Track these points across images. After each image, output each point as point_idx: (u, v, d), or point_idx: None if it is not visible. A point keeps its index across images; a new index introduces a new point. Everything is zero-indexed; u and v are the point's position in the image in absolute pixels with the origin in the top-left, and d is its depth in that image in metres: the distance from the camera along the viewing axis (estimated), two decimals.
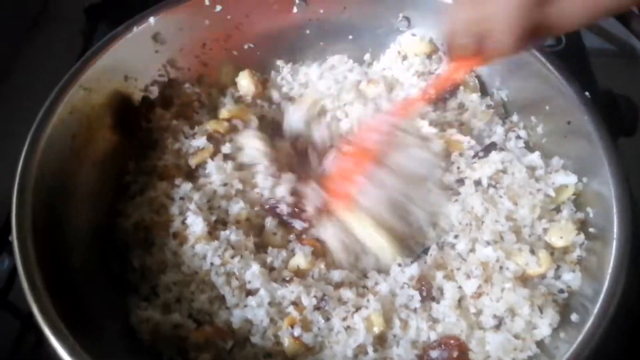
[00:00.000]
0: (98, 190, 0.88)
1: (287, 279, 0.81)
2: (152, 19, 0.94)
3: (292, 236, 0.87)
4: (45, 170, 0.79)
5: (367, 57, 1.09)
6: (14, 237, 0.72)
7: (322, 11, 1.06)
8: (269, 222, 0.87)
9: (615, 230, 0.75)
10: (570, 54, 1.29)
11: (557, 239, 0.81)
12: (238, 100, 1.01)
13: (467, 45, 0.70)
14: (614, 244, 0.74)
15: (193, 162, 0.91)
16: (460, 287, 0.79)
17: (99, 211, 0.87)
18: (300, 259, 0.82)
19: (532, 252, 0.79)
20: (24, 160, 0.78)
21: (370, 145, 0.88)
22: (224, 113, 0.95)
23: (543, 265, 0.79)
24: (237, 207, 0.87)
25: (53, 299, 0.69)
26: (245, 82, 1.02)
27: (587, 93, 0.89)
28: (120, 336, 0.77)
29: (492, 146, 0.91)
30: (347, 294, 0.80)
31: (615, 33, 1.57)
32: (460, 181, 0.90)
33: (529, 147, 0.96)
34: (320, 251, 0.85)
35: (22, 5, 1.49)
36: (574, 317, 0.75)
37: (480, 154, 0.91)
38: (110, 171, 0.91)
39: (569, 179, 0.86)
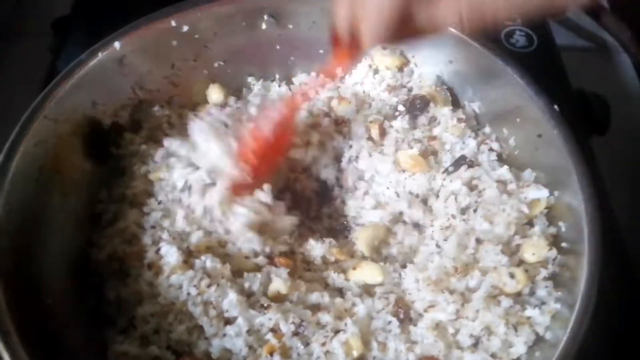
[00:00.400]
0: (70, 222, 0.87)
1: (265, 305, 0.80)
2: (117, 44, 0.93)
3: (262, 258, 0.86)
4: (13, 206, 0.78)
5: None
6: None
7: (291, 26, 1.05)
8: None
9: (586, 244, 0.76)
10: (543, 55, 1.31)
11: (530, 255, 0.82)
12: None
13: (344, 38, 0.75)
14: (585, 259, 0.75)
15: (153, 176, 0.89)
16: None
17: (71, 244, 0.86)
18: (279, 285, 0.81)
19: (511, 275, 0.80)
20: None
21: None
22: None
23: (520, 284, 0.79)
24: None
25: (25, 343, 0.68)
26: (215, 95, 1.02)
27: (556, 106, 0.90)
28: None
29: (461, 159, 0.92)
30: (326, 317, 0.80)
31: (587, 28, 1.59)
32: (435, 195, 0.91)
33: (502, 160, 0.96)
34: (294, 269, 0.85)
35: None
36: (548, 335, 0.76)
37: (450, 168, 0.91)
38: (81, 201, 0.90)
39: (541, 193, 0.87)
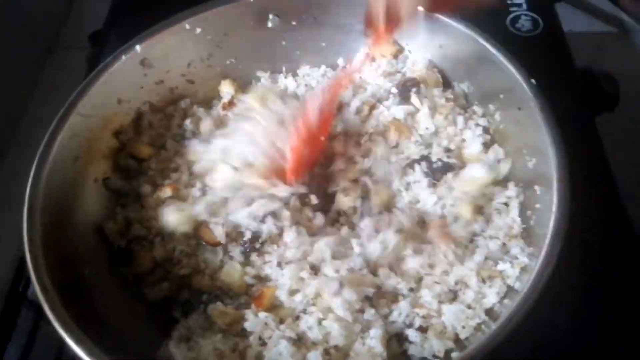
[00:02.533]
0: (102, 203, 1.01)
1: None
2: (138, 47, 1.05)
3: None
4: (52, 189, 0.91)
5: (340, 61, 1.18)
6: (26, 252, 0.83)
7: (294, 23, 1.16)
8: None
9: (554, 206, 0.82)
10: (548, 38, 1.36)
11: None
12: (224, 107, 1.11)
13: (380, 15, 0.80)
14: (552, 218, 0.81)
15: None
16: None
17: (102, 220, 0.99)
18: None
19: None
20: (32, 183, 0.89)
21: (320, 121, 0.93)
22: None
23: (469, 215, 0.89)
24: None
25: (64, 301, 0.80)
26: (226, 87, 1.13)
27: (532, 80, 0.96)
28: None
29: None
30: None
31: (607, 11, 1.62)
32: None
33: (489, 134, 1.03)
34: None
35: (35, 36, 1.64)
36: (517, 285, 0.83)
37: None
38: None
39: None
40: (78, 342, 0.75)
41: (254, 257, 0.92)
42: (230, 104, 1.10)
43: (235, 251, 0.92)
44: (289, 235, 0.91)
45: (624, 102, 1.25)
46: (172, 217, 0.93)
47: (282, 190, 0.91)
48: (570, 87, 1.25)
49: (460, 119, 1.04)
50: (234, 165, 0.94)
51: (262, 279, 0.90)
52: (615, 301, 0.93)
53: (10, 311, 1.03)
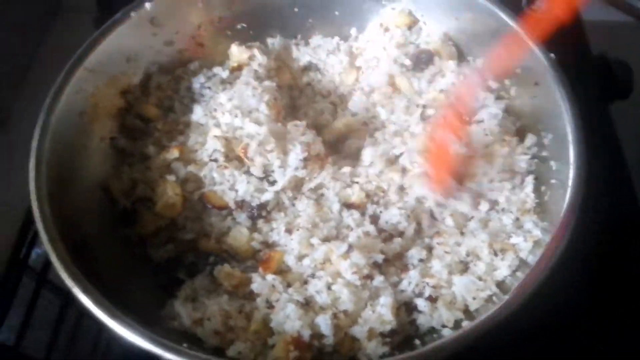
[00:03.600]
0: (107, 161, 0.98)
1: None
2: (147, 5, 1.03)
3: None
4: (57, 144, 0.89)
5: (352, 31, 1.16)
6: (33, 203, 0.81)
7: None
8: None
9: (570, 181, 0.81)
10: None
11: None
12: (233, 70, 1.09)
13: None
14: (568, 191, 0.80)
15: None
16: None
17: (106, 178, 0.97)
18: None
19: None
20: (40, 134, 0.87)
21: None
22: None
23: None
24: None
25: (75, 260, 0.78)
26: (235, 51, 1.09)
27: (552, 55, 0.94)
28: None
29: None
30: None
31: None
32: None
33: (507, 111, 1.01)
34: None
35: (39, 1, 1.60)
36: (530, 258, 0.81)
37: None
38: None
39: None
40: (85, 291, 0.73)
41: (260, 223, 0.90)
42: (240, 68, 1.07)
43: (242, 217, 0.91)
44: (302, 204, 0.90)
45: (638, 92, 1.24)
46: None
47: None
48: (585, 72, 1.23)
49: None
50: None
51: (270, 245, 0.89)
52: (624, 279, 0.92)
53: (12, 278, 1.00)
